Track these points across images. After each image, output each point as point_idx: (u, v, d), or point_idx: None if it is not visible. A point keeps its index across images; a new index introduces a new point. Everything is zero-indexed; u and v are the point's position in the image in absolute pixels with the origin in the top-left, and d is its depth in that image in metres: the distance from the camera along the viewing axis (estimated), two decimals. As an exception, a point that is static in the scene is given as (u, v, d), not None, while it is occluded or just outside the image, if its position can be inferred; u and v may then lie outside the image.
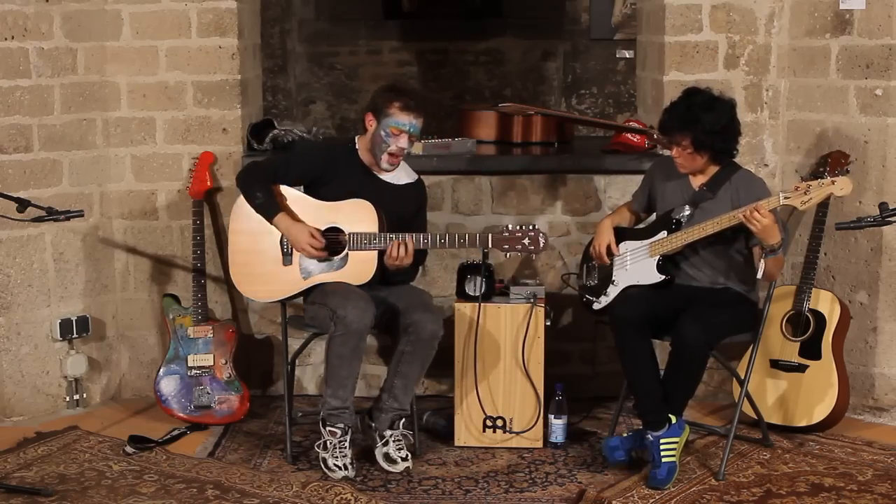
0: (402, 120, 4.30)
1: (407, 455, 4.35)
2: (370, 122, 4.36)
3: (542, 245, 4.27)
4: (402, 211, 4.41)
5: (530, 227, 4.28)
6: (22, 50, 4.75)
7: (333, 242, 4.32)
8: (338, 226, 4.33)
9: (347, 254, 4.31)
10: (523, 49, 8.42)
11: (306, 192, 4.41)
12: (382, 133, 4.31)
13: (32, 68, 4.78)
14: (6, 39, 4.71)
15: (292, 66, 8.45)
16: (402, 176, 4.47)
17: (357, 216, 4.31)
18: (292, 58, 8.44)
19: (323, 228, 4.33)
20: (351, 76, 8.47)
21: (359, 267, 4.30)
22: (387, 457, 4.34)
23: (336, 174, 4.39)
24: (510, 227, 4.30)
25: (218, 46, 4.99)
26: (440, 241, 4.29)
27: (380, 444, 4.37)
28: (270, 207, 4.33)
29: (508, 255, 4.33)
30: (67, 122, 4.91)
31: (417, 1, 8.51)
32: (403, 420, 4.41)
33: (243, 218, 4.40)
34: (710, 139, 4.23)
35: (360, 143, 4.43)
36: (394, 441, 4.35)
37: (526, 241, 4.25)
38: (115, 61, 4.99)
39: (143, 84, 5.02)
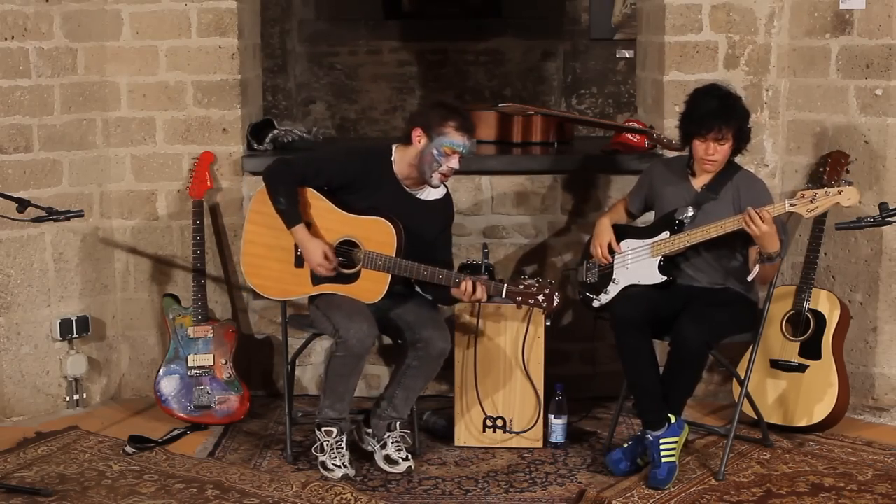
0: (458, 140, 4.20)
1: (407, 455, 4.35)
2: (418, 137, 4.24)
3: (554, 304, 4.18)
4: (429, 227, 4.35)
5: (547, 284, 4.20)
6: (22, 50, 4.75)
7: (348, 255, 4.29)
8: (355, 240, 4.27)
9: (360, 270, 4.28)
10: (523, 49, 8.42)
11: (332, 192, 4.34)
12: (434, 152, 4.20)
13: (32, 68, 4.78)
14: (6, 39, 4.71)
15: (292, 66, 8.45)
16: (432, 191, 4.39)
17: (376, 236, 4.23)
18: (292, 58, 8.44)
19: (340, 240, 4.28)
20: (351, 76, 8.47)
21: (370, 285, 4.25)
22: (387, 459, 4.34)
23: (366, 185, 4.30)
24: (526, 279, 4.25)
25: (218, 46, 4.99)
26: (454, 280, 4.19)
27: (378, 447, 4.37)
28: (291, 216, 4.25)
29: (521, 307, 4.30)
30: (67, 122, 4.91)
31: (417, 1, 8.51)
32: (400, 422, 4.41)
33: (263, 209, 4.33)
34: (746, 129, 4.27)
35: (399, 155, 4.31)
36: (392, 443, 4.35)
37: (540, 297, 4.17)
38: (115, 61, 4.99)
39: (143, 84, 5.02)
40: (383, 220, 4.23)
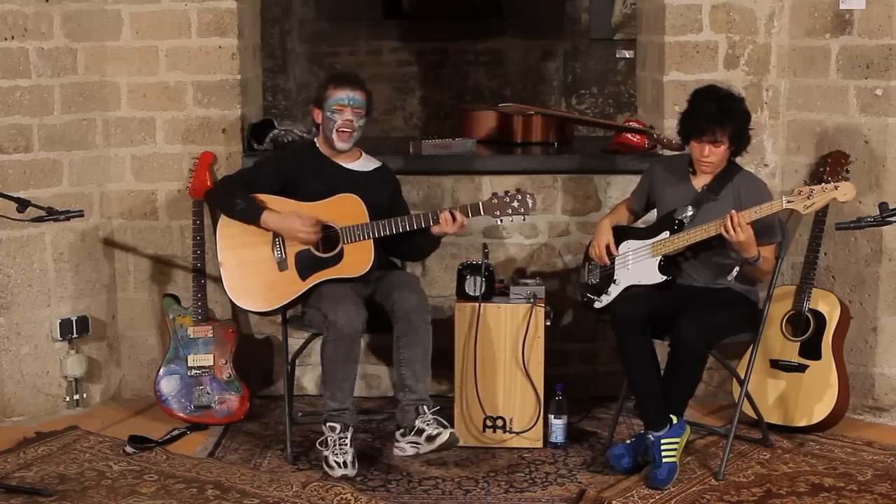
0: (340, 95, 4.41)
1: (445, 424, 4.25)
2: (317, 114, 4.48)
3: (531, 205, 4.38)
4: (378, 196, 4.47)
5: (517, 190, 4.38)
6: (22, 50, 4.75)
7: (326, 239, 4.34)
8: (328, 223, 4.35)
9: (342, 248, 4.33)
10: (523, 49, 8.43)
11: (283, 193, 4.43)
12: (328, 115, 4.42)
13: (32, 68, 4.78)
14: (6, 39, 4.71)
15: (292, 66, 8.45)
16: (368, 164, 4.57)
17: (345, 210, 4.35)
18: (292, 58, 8.45)
19: None
20: (351, 76, 8.46)
21: (356, 258, 4.33)
22: (429, 438, 4.23)
23: (305, 173, 4.45)
24: (498, 193, 4.39)
25: (218, 46, 4.99)
26: (432, 218, 4.35)
27: (419, 438, 4.27)
28: (254, 210, 4.35)
29: (501, 220, 4.41)
30: (67, 122, 4.91)
31: (417, 1, 8.51)
32: (426, 405, 4.32)
33: (229, 235, 4.40)
34: (744, 131, 4.27)
35: (320, 141, 4.53)
36: (426, 424, 4.25)
37: (515, 203, 4.36)
38: (115, 61, 4.99)
39: (143, 84, 5.02)
40: (347, 193, 4.37)
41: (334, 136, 4.42)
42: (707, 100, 4.26)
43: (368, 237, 4.33)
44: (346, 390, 4.29)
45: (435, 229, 4.37)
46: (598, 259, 4.48)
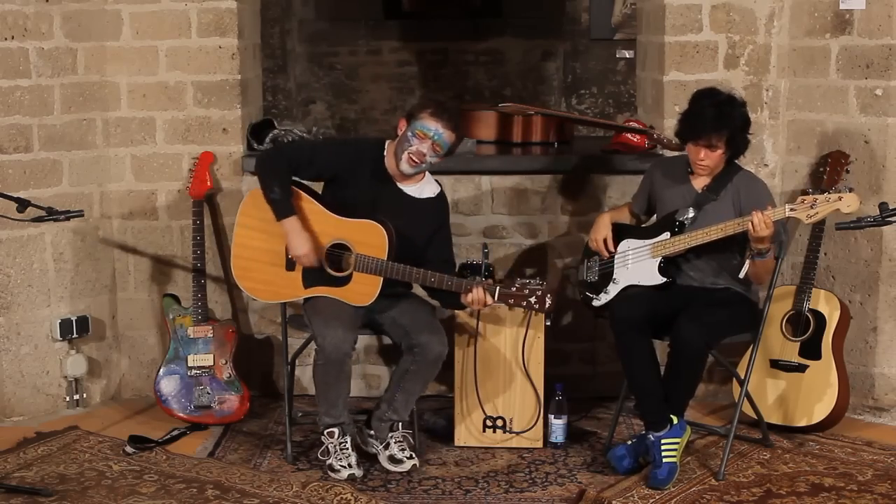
0: (429, 125, 4.23)
1: (412, 454, 4.35)
2: (402, 126, 4.31)
3: (547, 305, 4.19)
4: (421, 226, 4.35)
5: (538, 286, 4.20)
6: (22, 50, 4.76)
7: (339, 258, 4.29)
8: (346, 243, 4.27)
9: (352, 273, 4.27)
10: (523, 49, 8.43)
11: (324, 186, 4.37)
12: (409, 134, 4.26)
13: (32, 68, 4.78)
14: (6, 39, 4.72)
15: (292, 66, 8.45)
16: (425, 189, 4.41)
17: (367, 238, 4.23)
18: (292, 58, 8.44)
19: (331, 243, 4.28)
20: (351, 76, 8.47)
21: (362, 288, 4.24)
22: (392, 459, 4.34)
23: (358, 178, 4.32)
24: (519, 281, 4.23)
25: (218, 46, 4.99)
26: (447, 283, 4.22)
27: (382, 449, 4.37)
28: (284, 208, 4.24)
29: (513, 308, 4.32)
30: (67, 122, 4.91)
31: (417, 1, 8.51)
32: (402, 423, 4.41)
33: (255, 213, 4.33)
34: (741, 136, 4.26)
35: (389, 149, 4.36)
36: (395, 442, 4.36)
37: (532, 299, 4.18)
38: (115, 61, 4.99)
39: (143, 84, 5.02)
40: (375, 223, 4.23)
41: (403, 156, 4.26)
42: (706, 104, 4.24)
43: (379, 275, 4.22)
44: (339, 406, 4.30)
45: (463, 298, 4.23)
46: (597, 250, 4.46)
